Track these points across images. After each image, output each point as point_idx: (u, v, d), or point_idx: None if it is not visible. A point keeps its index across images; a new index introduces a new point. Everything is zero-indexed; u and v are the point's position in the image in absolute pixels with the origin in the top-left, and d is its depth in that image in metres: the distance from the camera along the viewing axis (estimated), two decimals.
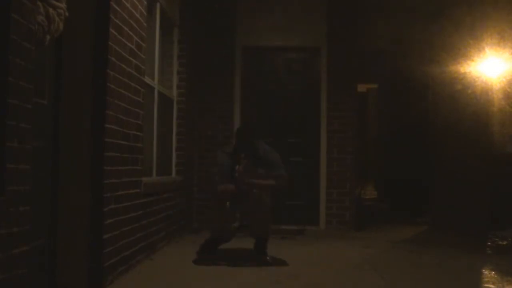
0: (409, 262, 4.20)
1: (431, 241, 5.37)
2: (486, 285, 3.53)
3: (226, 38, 6.07)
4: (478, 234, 5.29)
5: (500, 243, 5.17)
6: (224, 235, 4.23)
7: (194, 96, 5.77)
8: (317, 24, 6.09)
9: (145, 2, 3.83)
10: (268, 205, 4.02)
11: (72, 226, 2.93)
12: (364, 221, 6.24)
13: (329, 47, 6.03)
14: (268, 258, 3.99)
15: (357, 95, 6.52)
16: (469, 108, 5.52)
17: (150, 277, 3.45)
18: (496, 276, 3.83)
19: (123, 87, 3.33)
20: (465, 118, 5.58)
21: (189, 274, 3.58)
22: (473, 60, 5.49)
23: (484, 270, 4.08)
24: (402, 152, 8.21)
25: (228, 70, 6.09)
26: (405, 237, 5.61)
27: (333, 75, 5.98)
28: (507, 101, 5.37)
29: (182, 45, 5.44)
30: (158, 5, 4.59)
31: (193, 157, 5.88)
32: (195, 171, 5.89)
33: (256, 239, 4.14)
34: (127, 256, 3.43)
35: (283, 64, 6.23)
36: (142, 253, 3.79)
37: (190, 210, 5.75)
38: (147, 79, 4.11)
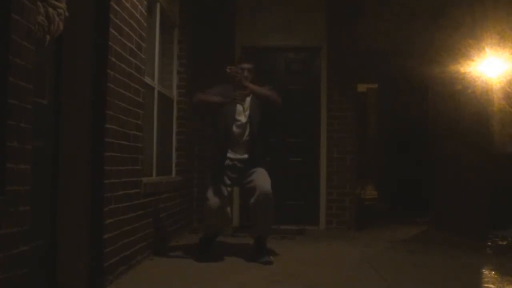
0: (409, 262, 4.20)
1: (431, 241, 5.37)
2: (486, 285, 3.53)
3: (226, 38, 6.07)
4: (478, 234, 5.30)
5: (500, 243, 5.16)
6: (216, 231, 4.25)
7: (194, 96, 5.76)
8: (317, 24, 6.09)
9: (145, 2, 3.83)
10: (273, 204, 4.01)
11: (72, 226, 2.93)
12: (364, 221, 6.25)
13: (329, 47, 6.03)
14: (269, 257, 3.99)
15: (357, 95, 6.52)
16: (469, 108, 5.52)
17: (150, 277, 3.45)
18: (496, 276, 3.83)
19: (123, 87, 3.33)
20: (465, 118, 5.58)
21: (189, 274, 3.58)
22: (473, 60, 5.49)
23: (484, 270, 4.08)
24: (402, 152, 8.21)
25: None
26: (405, 237, 5.61)
27: (333, 75, 5.98)
28: (507, 101, 5.37)
29: (182, 45, 5.44)
30: (158, 5, 4.59)
31: (193, 157, 5.88)
32: (195, 171, 5.89)
33: (256, 239, 4.14)
34: (127, 256, 3.43)
35: (283, 64, 6.23)
36: (142, 253, 3.79)
37: (190, 210, 5.75)
38: (147, 79, 4.11)
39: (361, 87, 9.47)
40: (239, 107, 4.09)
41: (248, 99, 4.10)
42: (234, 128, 4.08)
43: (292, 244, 4.98)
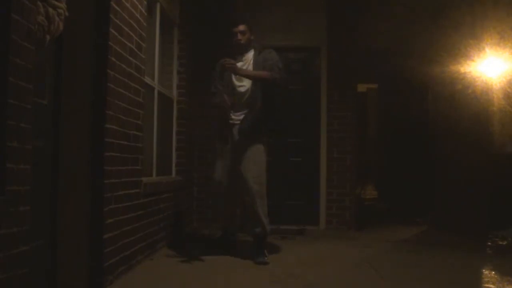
0: (409, 262, 4.20)
1: (431, 241, 5.37)
2: (486, 285, 3.53)
3: (226, 38, 6.05)
4: (478, 234, 5.30)
5: (500, 243, 5.17)
6: (230, 226, 4.40)
7: (194, 96, 5.77)
8: (317, 24, 6.09)
9: (145, 2, 3.83)
10: (265, 201, 4.07)
11: (72, 226, 2.93)
12: (364, 221, 6.25)
13: (329, 47, 6.02)
14: (263, 257, 3.99)
15: (357, 95, 6.51)
16: (469, 108, 5.52)
17: (150, 277, 3.45)
18: (496, 276, 3.84)
19: (123, 87, 3.33)
20: (465, 118, 5.58)
21: (189, 274, 3.58)
22: (473, 60, 5.49)
23: (484, 270, 4.08)
24: (402, 152, 8.21)
25: None
26: (405, 237, 5.61)
27: (333, 75, 5.98)
28: (507, 101, 5.37)
29: (182, 45, 5.44)
30: (158, 5, 4.59)
31: (193, 157, 5.88)
32: (195, 171, 5.89)
33: (256, 238, 4.14)
34: (127, 256, 3.43)
35: (283, 64, 6.21)
36: (142, 253, 3.79)
37: (190, 210, 5.75)
38: (147, 79, 4.11)
39: (361, 87, 9.46)
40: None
41: (250, 58, 4.26)
42: (236, 89, 4.20)
43: (292, 244, 4.98)
